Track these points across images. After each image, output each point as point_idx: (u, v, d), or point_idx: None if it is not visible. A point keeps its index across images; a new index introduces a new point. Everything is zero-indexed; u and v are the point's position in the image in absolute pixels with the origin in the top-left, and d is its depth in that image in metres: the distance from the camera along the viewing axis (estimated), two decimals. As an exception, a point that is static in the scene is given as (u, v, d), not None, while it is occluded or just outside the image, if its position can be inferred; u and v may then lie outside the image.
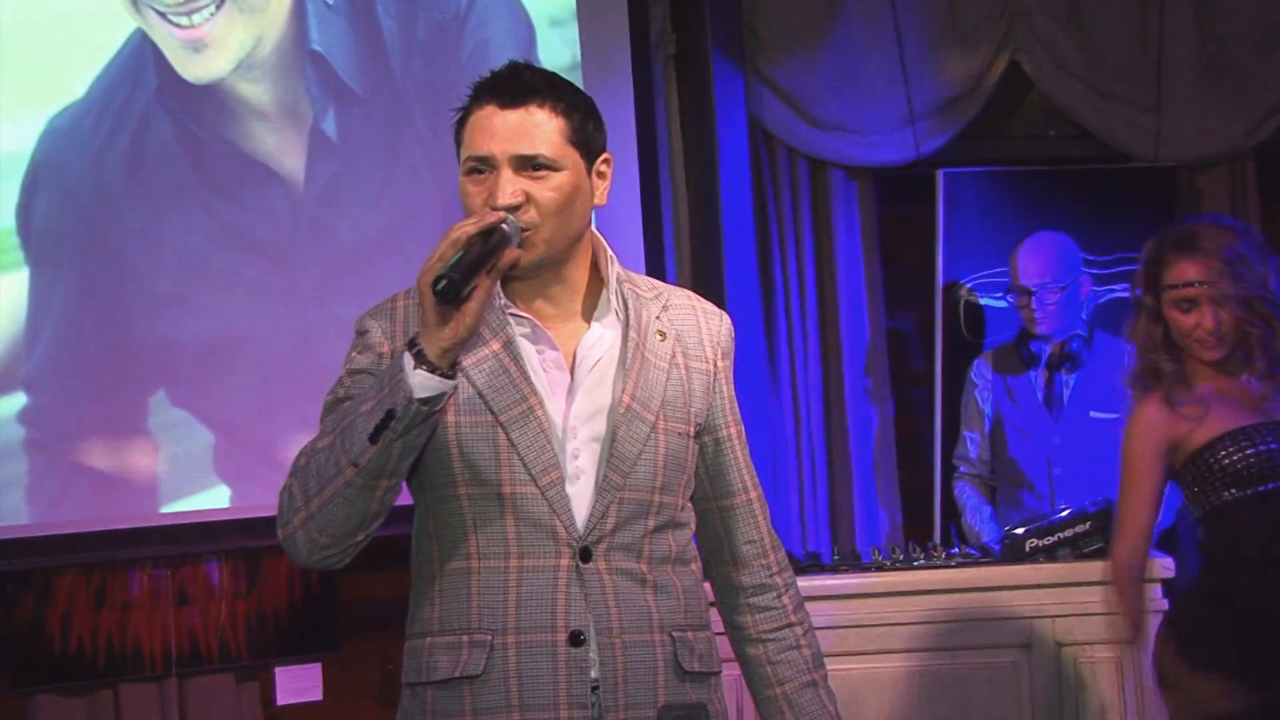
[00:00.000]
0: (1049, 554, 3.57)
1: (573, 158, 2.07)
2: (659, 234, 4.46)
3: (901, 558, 3.64)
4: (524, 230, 2.03)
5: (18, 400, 4.00)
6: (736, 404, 2.23)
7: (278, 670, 4.24)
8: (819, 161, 4.73)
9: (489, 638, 2.04)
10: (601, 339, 2.11)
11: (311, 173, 4.23)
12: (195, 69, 4.16)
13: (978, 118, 4.72)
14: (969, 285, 4.61)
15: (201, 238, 4.15)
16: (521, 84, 2.07)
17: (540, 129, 2.05)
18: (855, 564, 3.67)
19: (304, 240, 4.23)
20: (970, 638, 3.51)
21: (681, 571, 2.13)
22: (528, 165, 2.04)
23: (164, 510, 4.12)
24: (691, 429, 2.13)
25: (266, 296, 4.18)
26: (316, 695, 4.24)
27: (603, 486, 2.05)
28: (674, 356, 2.14)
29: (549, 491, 2.04)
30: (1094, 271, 4.50)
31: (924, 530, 4.48)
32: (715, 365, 2.19)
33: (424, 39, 4.31)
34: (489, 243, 1.95)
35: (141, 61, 4.14)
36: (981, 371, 4.31)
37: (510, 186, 2.03)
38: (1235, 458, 3.03)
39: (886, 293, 4.78)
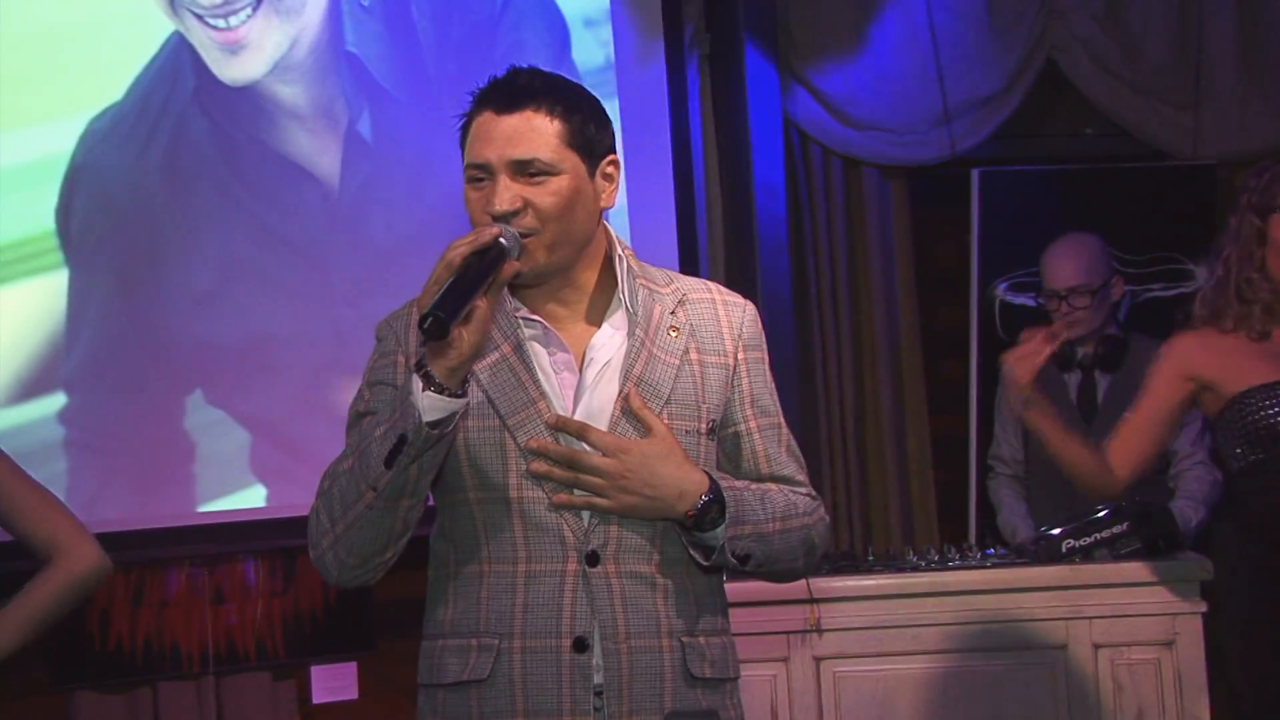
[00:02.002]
0: (1086, 554, 3.54)
1: (572, 161, 2.05)
2: (693, 234, 4.46)
3: (937, 558, 3.63)
4: (524, 237, 2.01)
5: (58, 400, 4.03)
6: (767, 395, 2.18)
7: (313, 669, 4.26)
8: (853, 161, 4.72)
9: (496, 642, 2.04)
10: (611, 339, 2.10)
11: (346, 173, 4.24)
12: (232, 71, 4.18)
13: (1014, 116, 4.70)
14: (1005, 284, 4.59)
15: (237, 238, 4.18)
16: (517, 89, 2.06)
17: (537, 133, 2.04)
18: (891, 564, 3.65)
19: (339, 240, 4.24)
20: (1006, 639, 3.49)
21: (696, 574, 2.10)
22: (525, 170, 2.03)
23: (200, 510, 4.14)
24: (704, 425, 2.11)
25: (301, 296, 4.20)
26: (352, 694, 4.26)
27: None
28: (686, 352, 2.12)
29: (555, 495, 2.04)
30: (1130, 271, 4.47)
31: (960, 530, 4.46)
32: (735, 358, 2.15)
33: (458, 39, 4.32)
34: (484, 261, 1.94)
35: (179, 64, 4.16)
36: (1015, 372, 4.28)
37: (507, 193, 2.02)
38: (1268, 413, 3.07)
39: (921, 292, 4.76)
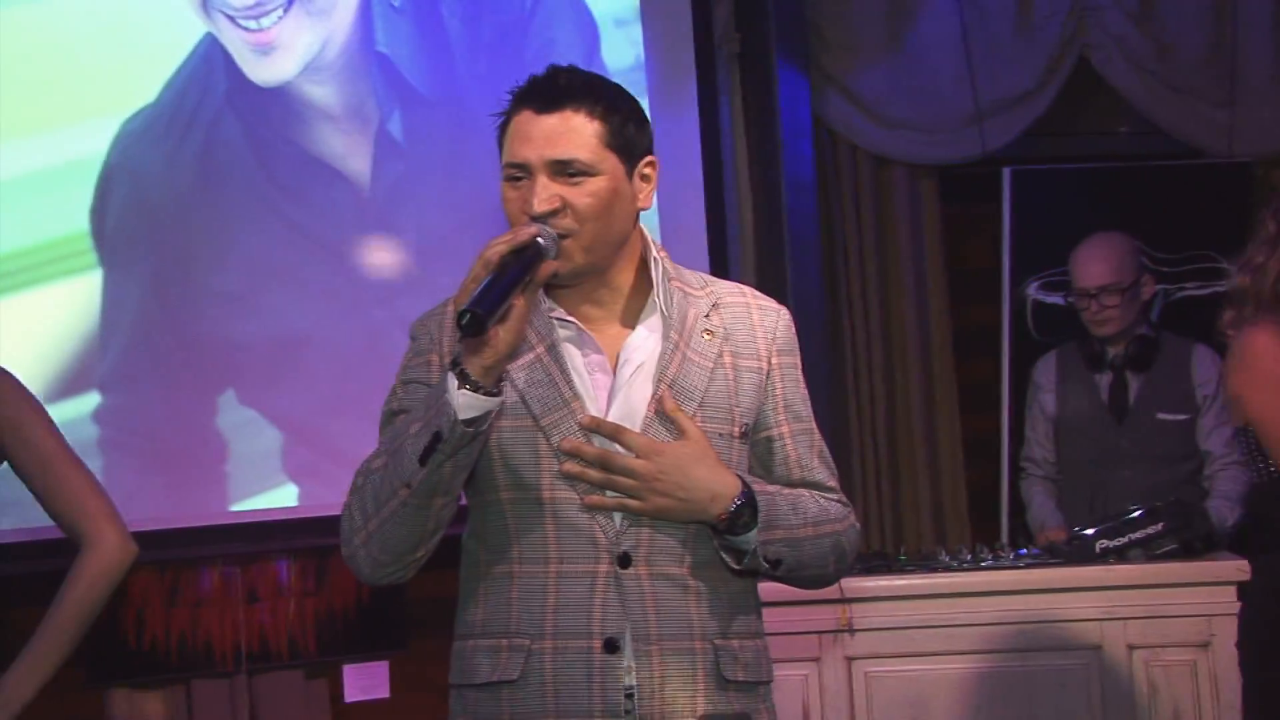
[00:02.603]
0: (1120, 555, 3.52)
1: (611, 162, 2.05)
2: (723, 234, 4.46)
3: (969, 558, 3.61)
4: (562, 237, 2.01)
5: (92, 400, 4.06)
6: (800, 400, 2.17)
7: (345, 668, 4.28)
8: (884, 160, 4.71)
9: (527, 642, 2.04)
10: (645, 341, 2.10)
11: (377, 173, 4.26)
12: (263, 72, 4.20)
13: (1046, 114, 4.68)
14: (1036, 284, 4.57)
15: (269, 238, 4.19)
16: (557, 88, 2.05)
17: (576, 133, 2.03)
18: (922, 564, 3.64)
19: (370, 240, 4.26)
20: (1039, 639, 3.48)
21: (729, 577, 2.09)
22: (563, 170, 2.02)
23: (234, 509, 4.16)
24: (737, 429, 2.10)
25: (333, 296, 4.22)
26: (384, 693, 4.27)
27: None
28: (720, 356, 2.11)
29: (587, 496, 2.04)
30: (1164, 270, 4.45)
31: (992, 531, 4.44)
32: (769, 363, 2.14)
33: (489, 39, 4.33)
34: (522, 259, 1.93)
35: (211, 65, 4.18)
36: (1045, 372, 4.27)
37: (545, 193, 2.01)
38: None
39: (952, 292, 4.74)
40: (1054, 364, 4.24)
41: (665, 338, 2.09)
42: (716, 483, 2.02)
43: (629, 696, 2.02)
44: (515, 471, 2.05)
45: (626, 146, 2.07)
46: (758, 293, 2.21)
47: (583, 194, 2.03)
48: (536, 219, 2.01)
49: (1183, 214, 4.53)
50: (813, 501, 2.12)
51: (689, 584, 2.05)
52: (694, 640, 2.05)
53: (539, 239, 1.97)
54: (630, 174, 2.08)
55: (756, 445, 2.15)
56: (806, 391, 2.20)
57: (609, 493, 2.03)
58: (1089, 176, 4.68)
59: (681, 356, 2.08)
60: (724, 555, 2.07)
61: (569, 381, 2.06)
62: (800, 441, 2.16)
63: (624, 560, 2.03)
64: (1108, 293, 4.02)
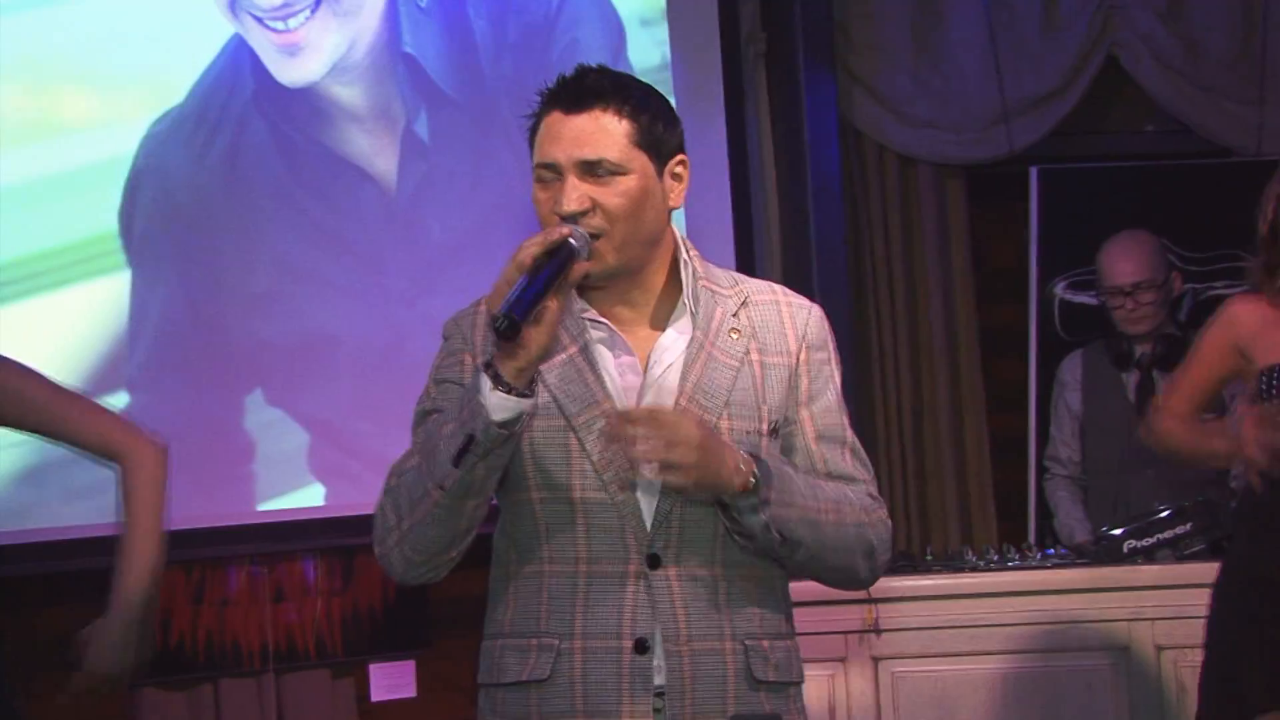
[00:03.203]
0: (1148, 555, 3.51)
1: (641, 161, 2.04)
2: (749, 234, 4.45)
3: (996, 558, 3.60)
4: (593, 237, 2.00)
5: (120, 400, 4.07)
6: (829, 394, 2.13)
7: (371, 667, 4.29)
8: (910, 159, 4.70)
9: (556, 642, 2.03)
10: (675, 343, 2.09)
11: (404, 174, 4.27)
12: (290, 73, 4.21)
13: (1073, 113, 4.66)
14: (1064, 283, 4.55)
15: (296, 238, 4.21)
16: (586, 88, 2.04)
17: (605, 133, 2.02)
18: (949, 564, 3.63)
19: (396, 241, 4.27)
20: (1066, 640, 3.47)
21: (760, 576, 2.07)
22: (593, 170, 2.01)
23: (260, 508, 4.17)
24: (765, 426, 2.07)
25: (359, 296, 4.23)
26: (410, 692, 4.28)
27: (665, 491, 2.02)
28: (747, 354, 2.09)
29: (618, 498, 2.03)
30: (1192, 269, 4.42)
31: (1019, 531, 4.43)
32: (797, 358, 2.11)
33: (514, 39, 4.34)
34: (555, 261, 1.93)
35: (238, 66, 4.20)
36: (1072, 370, 4.25)
37: (575, 193, 2.00)
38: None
39: (979, 291, 4.73)
40: (1080, 362, 4.23)
41: (691, 338, 2.08)
42: (733, 453, 1.99)
43: (659, 696, 2.01)
44: (546, 472, 2.05)
45: (656, 145, 2.06)
46: (788, 290, 2.19)
47: (612, 194, 2.02)
48: (567, 219, 2.00)
49: (1211, 213, 4.51)
50: (834, 488, 2.08)
51: (719, 585, 2.04)
52: (724, 641, 2.03)
53: (571, 239, 1.96)
54: (660, 173, 2.07)
55: (784, 440, 2.12)
56: (840, 386, 2.16)
57: (645, 471, 2.00)
58: (1116, 175, 4.67)
59: (707, 356, 2.07)
60: (737, 538, 2.03)
61: (601, 382, 2.05)
62: (827, 435, 2.13)
63: (653, 561, 2.02)
64: (1142, 289, 4.00)
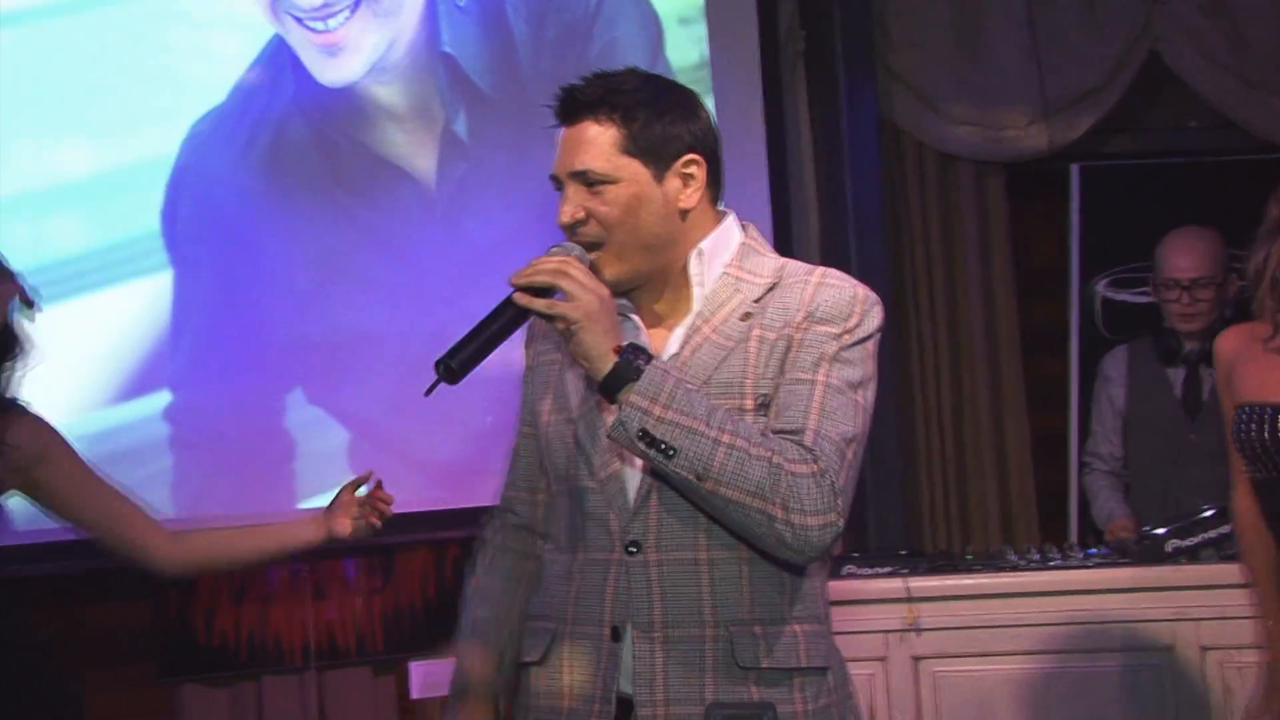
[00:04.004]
0: (1191, 555, 3.47)
1: (631, 169, 2.06)
2: (788, 232, 4.44)
3: (1037, 557, 3.58)
4: (594, 246, 2.06)
5: (163, 398, 4.10)
6: (815, 358, 2.02)
7: (412, 665, 4.29)
8: (950, 157, 4.68)
9: (553, 626, 2.11)
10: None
11: (443, 173, 4.28)
12: (330, 72, 4.24)
13: (1114, 109, 4.63)
14: (1106, 281, 4.52)
15: (336, 237, 4.23)
16: (574, 101, 2.10)
17: (591, 144, 2.07)
18: (990, 563, 3.61)
19: (435, 239, 4.28)
20: (1110, 640, 3.44)
21: (757, 560, 2.03)
22: (584, 180, 2.07)
23: (301, 506, 4.19)
24: (750, 402, 2.03)
25: (398, 295, 4.24)
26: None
27: (644, 477, 2.05)
28: (748, 335, 2.06)
29: (606, 485, 2.07)
30: (1236, 266, 4.38)
31: (1060, 530, 4.40)
32: (799, 329, 2.04)
33: (553, 39, 4.34)
34: (504, 319, 2.02)
35: (279, 66, 4.22)
36: (1116, 365, 4.21)
37: (569, 205, 2.08)
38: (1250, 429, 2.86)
39: (1020, 289, 4.71)
40: (1124, 358, 4.17)
41: (689, 325, 2.10)
42: (617, 339, 1.98)
43: (632, 683, 2.03)
44: (555, 464, 2.15)
45: (652, 150, 2.07)
46: (845, 276, 2.12)
47: (602, 203, 2.07)
48: (565, 229, 2.08)
49: (1255, 210, 4.46)
50: (750, 424, 1.99)
51: (701, 569, 2.04)
52: (704, 627, 2.02)
53: (515, 301, 2.00)
54: (660, 176, 2.08)
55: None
56: (853, 361, 2.04)
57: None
58: (1159, 172, 4.63)
59: (701, 339, 2.08)
60: (612, 437, 1.99)
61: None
62: (793, 392, 2.02)
63: (633, 547, 2.05)
64: (1201, 285, 3.94)
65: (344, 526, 2.80)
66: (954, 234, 4.68)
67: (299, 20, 4.21)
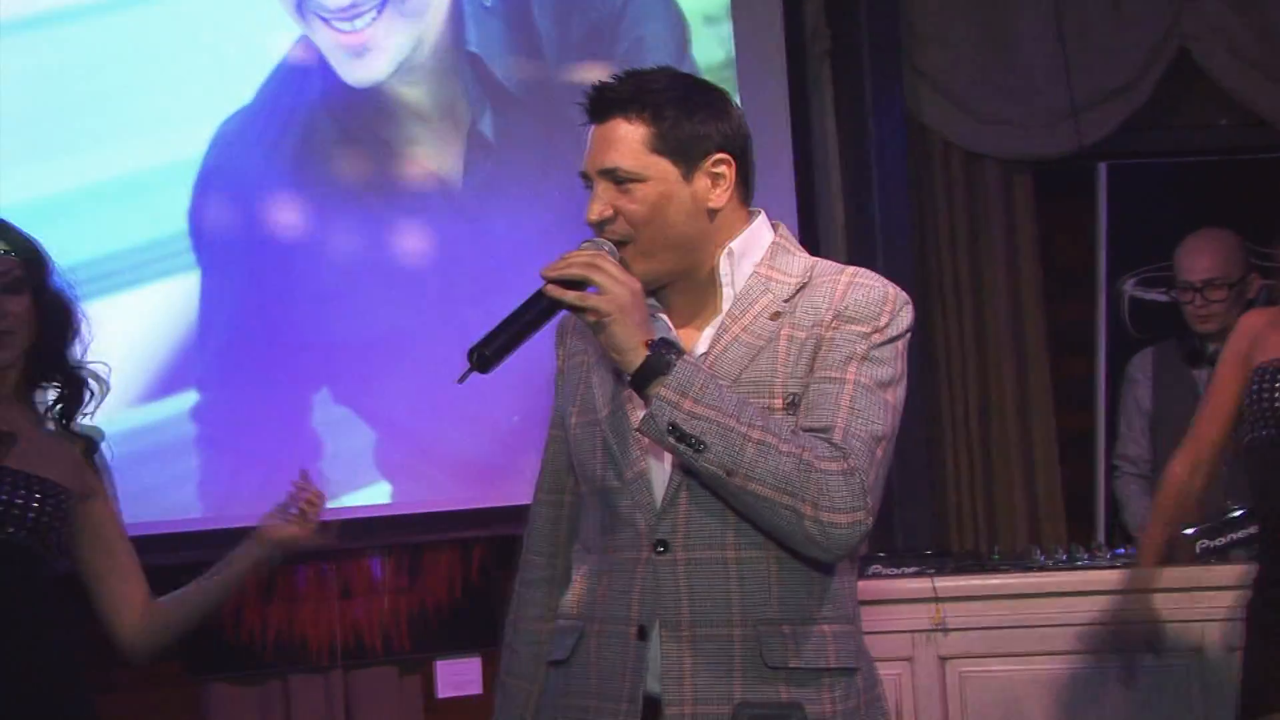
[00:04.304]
0: (1221, 556, 3.46)
1: (660, 167, 2.07)
2: (814, 231, 4.43)
3: (1064, 558, 3.57)
4: (622, 244, 2.07)
5: (190, 397, 4.12)
6: (843, 357, 2.02)
7: (438, 664, 4.31)
8: (977, 155, 4.66)
9: (581, 625, 2.10)
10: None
11: (469, 173, 4.29)
12: (357, 73, 4.25)
13: (1143, 107, 4.60)
14: (1134, 280, 4.50)
15: (362, 237, 4.24)
16: (605, 98, 2.10)
17: (620, 141, 2.07)
18: (1017, 563, 3.60)
19: (461, 239, 4.29)
20: (1137, 641, 3.42)
21: (787, 559, 2.02)
22: (612, 178, 2.07)
23: (328, 506, 4.19)
24: (779, 401, 2.02)
25: (424, 295, 4.25)
26: (477, 689, 4.29)
27: (672, 476, 2.04)
28: (777, 334, 2.06)
29: (631, 485, 2.07)
30: (1266, 265, 4.35)
31: (1088, 530, 4.39)
32: (828, 328, 2.04)
33: (579, 38, 4.35)
34: (536, 309, 2.02)
35: (306, 66, 4.24)
36: (1142, 367, 4.20)
37: (598, 203, 2.09)
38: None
39: (1047, 288, 4.69)
40: (1150, 359, 4.17)
41: (719, 325, 2.10)
42: (648, 333, 1.99)
43: (659, 682, 2.03)
44: (583, 465, 2.14)
45: (681, 148, 2.07)
46: (875, 275, 2.12)
47: (630, 201, 2.07)
48: (593, 227, 2.08)
49: (1285, 208, 4.44)
50: (780, 420, 1.99)
51: (730, 568, 2.03)
52: (732, 626, 2.01)
53: (546, 293, 2.01)
54: (689, 175, 2.08)
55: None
56: (883, 360, 2.04)
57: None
58: (1188, 171, 4.61)
59: (730, 339, 2.07)
60: (641, 431, 2.00)
61: (626, 383, 2.07)
62: (822, 390, 2.01)
63: (662, 546, 2.04)
64: (1213, 287, 3.94)
65: (276, 531, 2.80)
66: (980, 233, 4.66)
67: (325, 21, 4.22)
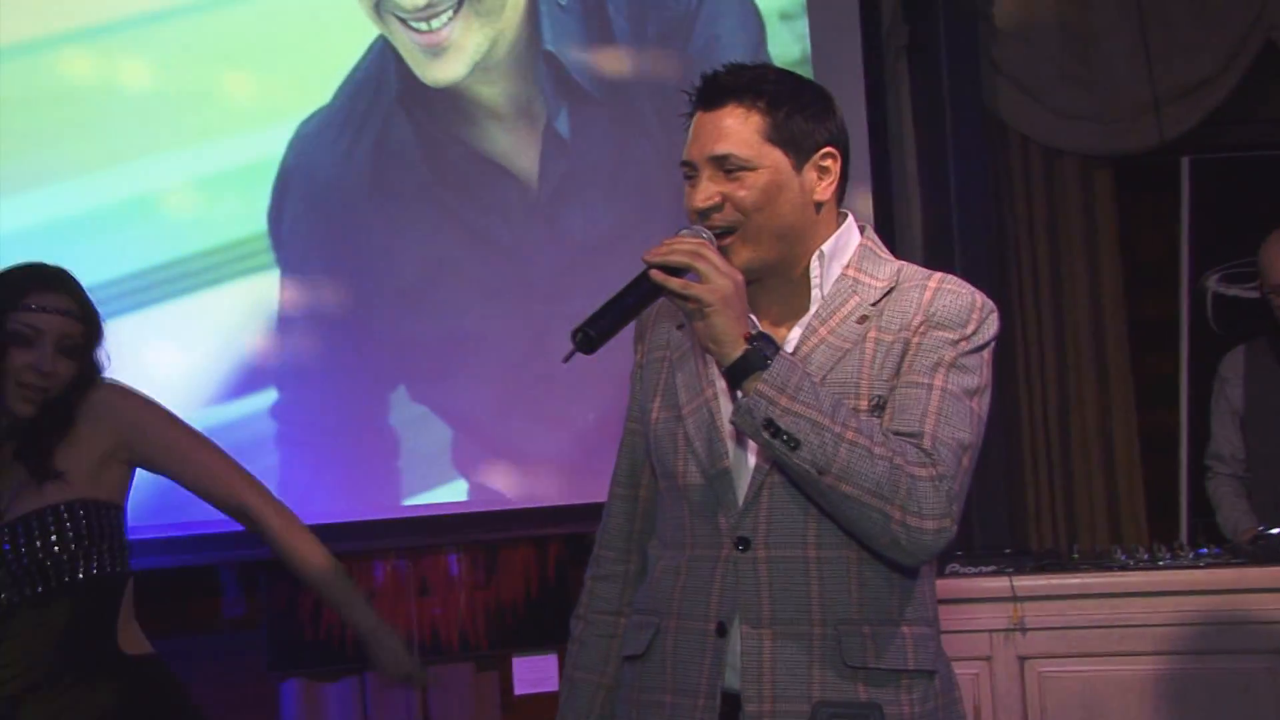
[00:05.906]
0: (1312, 556, 3.40)
1: (773, 156, 2.06)
2: (891, 229, 4.40)
3: (1146, 557, 3.52)
4: (727, 232, 2.05)
5: (270, 396, 4.17)
6: (931, 363, 2.03)
7: (515, 660, 4.33)
8: (1056, 151, 4.61)
9: (658, 620, 2.10)
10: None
11: (545, 171, 4.30)
12: (434, 72, 4.28)
13: (1227, 101, 4.53)
14: (1218, 276, 4.43)
15: (439, 236, 4.27)
16: (719, 86, 2.09)
17: (735, 129, 2.06)
18: (1097, 563, 3.56)
19: (537, 238, 4.30)
20: (1221, 642, 3.37)
21: (869, 559, 2.02)
22: (723, 166, 2.06)
23: (405, 503, 4.24)
24: (865, 402, 2.03)
25: (501, 293, 4.27)
26: (553, 685, 4.31)
27: (755, 473, 2.05)
28: (864, 336, 2.06)
29: (715, 482, 2.07)
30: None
31: (1170, 529, 4.32)
32: (916, 333, 2.05)
33: (654, 36, 4.35)
34: (640, 290, 1.99)
35: (383, 67, 4.27)
36: (1233, 366, 4.12)
37: (705, 190, 2.07)
38: None
39: (1128, 284, 4.63)
40: (1242, 358, 4.09)
41: (806, 326, 2.09)
42: (746, 327, 1.98)
43: (738, 678, 2.03)
44: (663, 461, 2.14)
45: (793, 140, 2.07)
46: (962, 281, 2.12)
47: (741, 188, 2.06)
48: (699, 214, 2.06)
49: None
50: (872, 423, 1.99)
51: (811, 567, 2.03)
52: (813, 625, 2.01)
53: (650, 276, 1.99)
54: (800, 167, 2.08)
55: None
56: (971, 367, 2.05)
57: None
58: (1273, 164, 4.53)
59: (818, 340, 2.07)
60: (735, 423, 2.00)
61: (710, 378, 2.10)
62: (910, 395, 2.02)
63: (743, 544, 2.04)
64: None
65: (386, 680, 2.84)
66: (1060, 229, 4.61)
67: (403, 21, 4.25)
